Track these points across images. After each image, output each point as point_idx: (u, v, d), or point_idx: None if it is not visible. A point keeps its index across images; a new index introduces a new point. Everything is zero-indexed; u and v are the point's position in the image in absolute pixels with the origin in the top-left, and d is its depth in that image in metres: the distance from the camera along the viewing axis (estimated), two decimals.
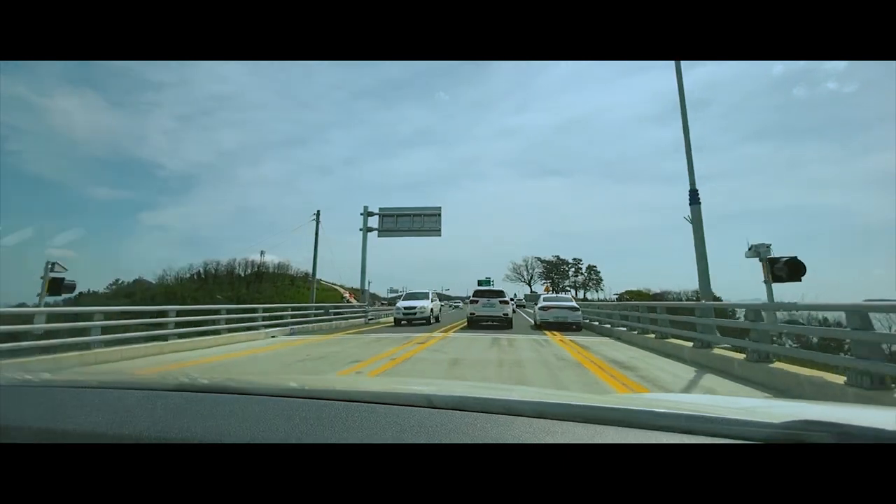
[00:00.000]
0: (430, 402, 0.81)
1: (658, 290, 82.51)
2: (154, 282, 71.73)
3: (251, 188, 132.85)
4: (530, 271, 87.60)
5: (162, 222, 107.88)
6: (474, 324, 16.13)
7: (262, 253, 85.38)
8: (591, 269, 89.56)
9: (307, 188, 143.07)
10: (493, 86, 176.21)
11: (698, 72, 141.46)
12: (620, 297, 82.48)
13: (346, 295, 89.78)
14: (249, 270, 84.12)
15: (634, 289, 76.82)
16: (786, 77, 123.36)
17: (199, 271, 74.46)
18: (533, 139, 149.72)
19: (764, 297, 7.77)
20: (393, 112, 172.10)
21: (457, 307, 64.34)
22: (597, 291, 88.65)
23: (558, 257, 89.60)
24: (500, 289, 18.76)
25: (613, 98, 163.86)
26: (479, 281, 74.29)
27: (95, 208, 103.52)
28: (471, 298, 17.07)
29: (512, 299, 27.99)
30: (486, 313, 16.21)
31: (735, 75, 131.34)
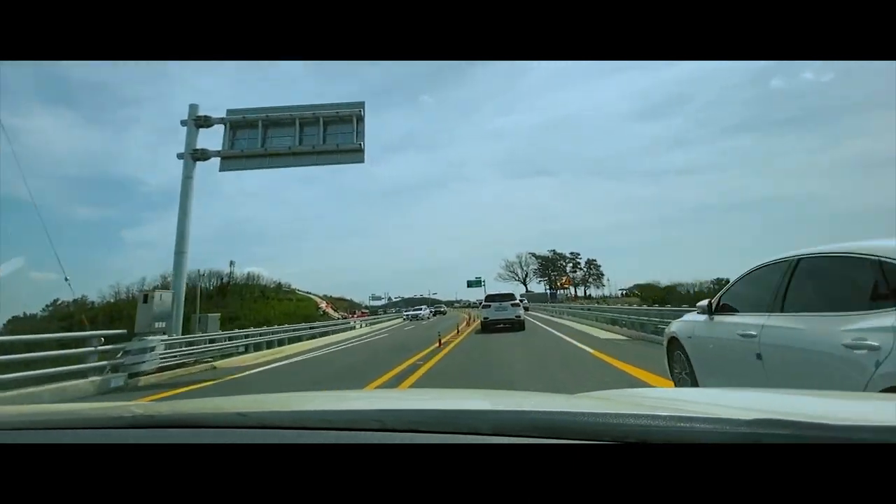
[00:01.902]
0: (383, 425, 0.75)
1: (668, 283, 66.79)
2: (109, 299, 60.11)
3: (236, 199, 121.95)
4: (525, 269, 72.78)
5: (147, 239, 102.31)
6: (488, 327, 15.86)
7: (231, 263, 70.67)
8: (590, 263, 75.15)
9: (293, 198, 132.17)
10: (477, 89, 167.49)
11: (680, 68, 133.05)
12: (629, 293, 68.44)
13: (324, 305, 74.88)
14: (214, 283, 67.78)
15: (643, 282, 61.28)
16: (764, 69, 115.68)
17: (157, 287, 59.49)
18: (519, 140, 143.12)
19: None
20: (378, 118, 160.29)
21: (429, 313, 46.57)
22: (597, 288, 73.70)
23: (555, 251, 75.42)
24: (510, 292, 18.42)
25: (595, 97, 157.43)
26: (468, 282, 60.75)
27: (77, 228, 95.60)
28: (483, 304, 17.11)
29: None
30: (499, 317, 15.78)
31: (713, 69, 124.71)
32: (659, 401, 0.98)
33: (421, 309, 40.03)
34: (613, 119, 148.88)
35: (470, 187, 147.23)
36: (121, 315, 53.32)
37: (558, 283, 75.82)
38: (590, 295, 75.79)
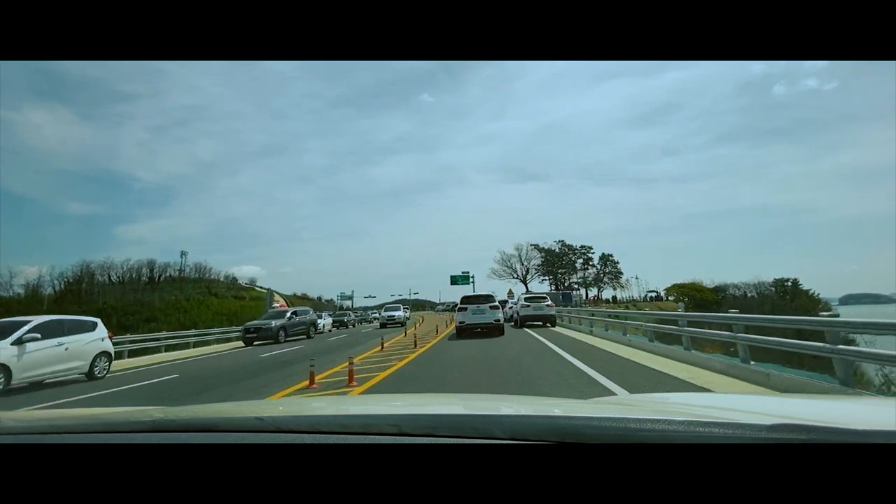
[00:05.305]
0: (399, 430, 0.73)
1: (714, 284, 46.01)
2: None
3: (230, 199, 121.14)
4: (526, 264, 53.23)
5: (140, 236, 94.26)
6: (464, 333, 13.84)
7: (182, 254, 58.89)
8: (606, 259, 55.23)
9: (287, 197, 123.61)
10: (470, 94, 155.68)
11: (670, 76, 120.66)
12: (666, 294, 48.23)
13: (278, 305, 54.26)
14: (144, 275, 49.02)
15: (685, 281, 40.27)
16: (756, 78, 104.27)
17: (67, 279, 47.71)
18: (511, 145, 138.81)
19: None
20: (372, 120, 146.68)
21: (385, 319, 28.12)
22: (615, 289, 53.55)
23: (563, 243, 55.59)
24: (490, 293, 15.69)
25: (586, 104, 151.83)
26: (451, 277, 43.19)
27: (70, 223, 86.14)
28: (459, 306, 14.74)
29: (504, 302, 20.86)
30: (476, 321, 13.86)
31: (705, 78, 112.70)
32: (669, 405, 0.96)
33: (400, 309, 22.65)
34: (603, 126, 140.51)
35: (463, 192, 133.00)
36: (7, 313, 36.55)
37: (566, 283, 56.80)
38: (614, 297, 56.91)
